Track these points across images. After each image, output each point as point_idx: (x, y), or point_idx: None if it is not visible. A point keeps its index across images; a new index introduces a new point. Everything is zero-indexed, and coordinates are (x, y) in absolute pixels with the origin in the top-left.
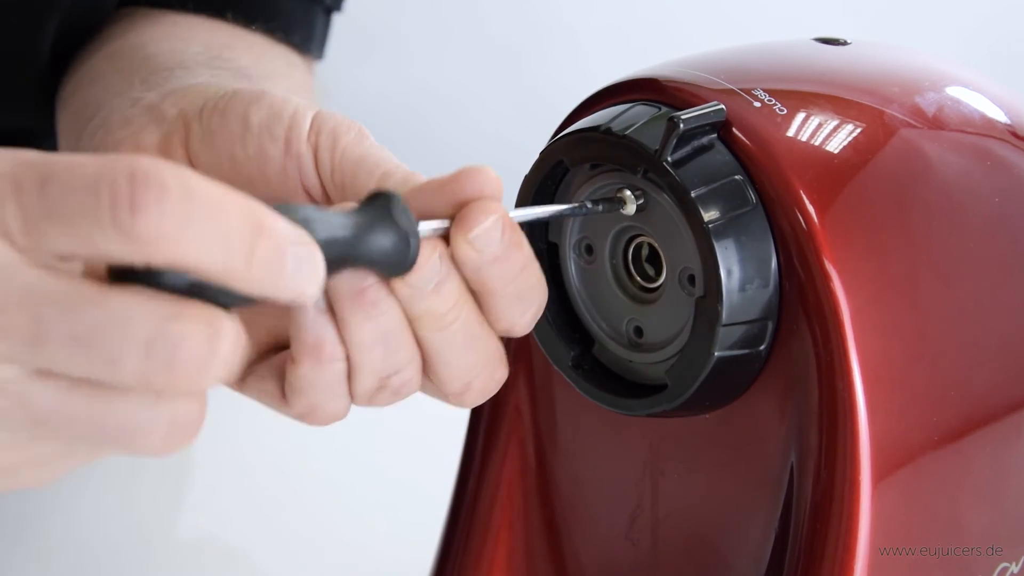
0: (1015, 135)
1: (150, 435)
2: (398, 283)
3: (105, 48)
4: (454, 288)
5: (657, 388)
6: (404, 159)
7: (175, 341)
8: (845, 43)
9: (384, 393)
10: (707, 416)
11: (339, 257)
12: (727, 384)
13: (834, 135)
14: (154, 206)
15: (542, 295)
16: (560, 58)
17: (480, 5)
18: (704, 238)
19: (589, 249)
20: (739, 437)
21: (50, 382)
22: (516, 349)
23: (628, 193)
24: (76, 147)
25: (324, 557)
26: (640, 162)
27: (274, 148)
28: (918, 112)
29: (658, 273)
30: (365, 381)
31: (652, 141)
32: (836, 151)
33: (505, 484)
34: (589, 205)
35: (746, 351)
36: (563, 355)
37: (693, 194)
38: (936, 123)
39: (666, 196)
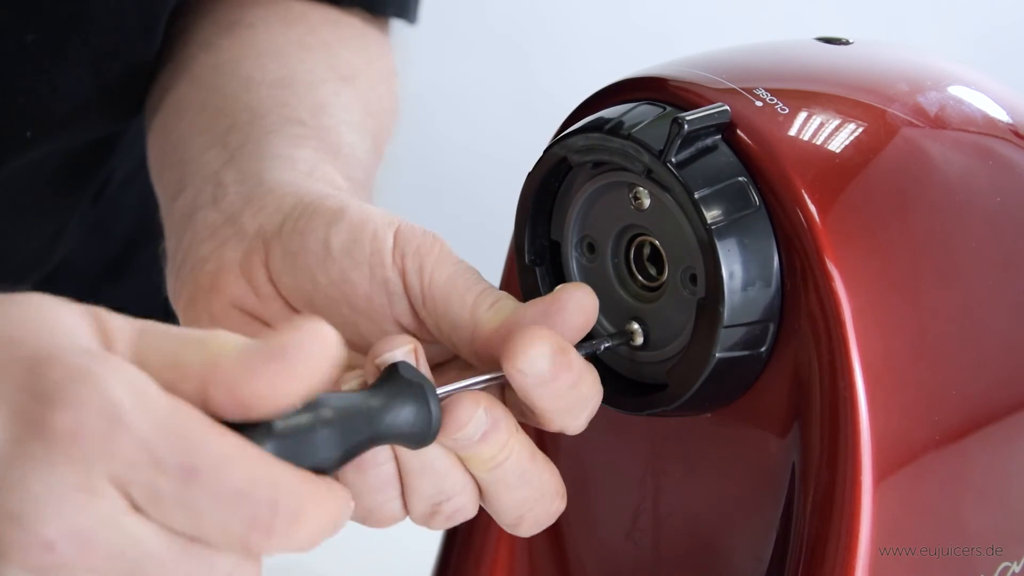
0: (1017, 134)
1: None
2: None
3: (189, 68)
4: (502, 435)
5: (658, 388)
6: (409, 157)
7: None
8: (847, 42)
9: (438, 518)
10: (708, 415)
11: (362, 442)
12: (728, 384)
13: (836, 135)
14: (286, 536)
15: (595, 401)
16: (564, 56)
17: (485, 2)
18: (707, 239)
19: (591, 247)
20: (741, 436)
21: (163, 531)
22: None
23: (636, 327)
24: (169, 211)
25: (324, 556)
26: (644, 162)
27: (358, 274)
28: (920, 111)
29: (660, 272)
30: (417, 504)
31: (656, 141)
32: (838, 151)
33: None
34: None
35: (747, 352)
36: None
37: (697, 195)
38: (938, 122)
39: (669, 196)
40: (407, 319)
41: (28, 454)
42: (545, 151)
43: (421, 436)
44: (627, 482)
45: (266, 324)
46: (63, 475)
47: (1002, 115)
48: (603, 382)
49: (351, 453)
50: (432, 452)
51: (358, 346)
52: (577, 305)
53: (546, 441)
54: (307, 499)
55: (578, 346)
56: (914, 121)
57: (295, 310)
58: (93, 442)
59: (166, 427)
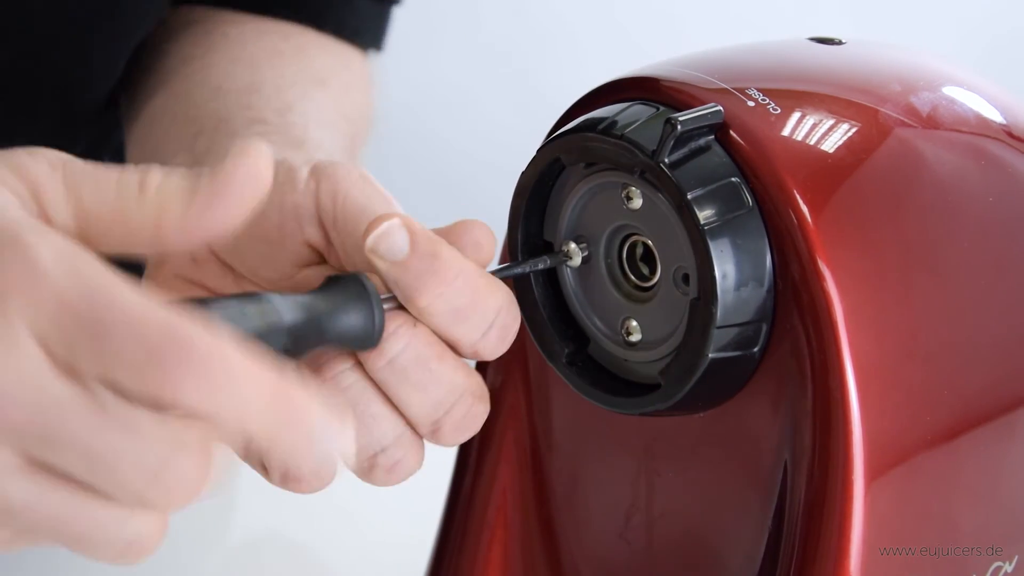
0: (1010, 134)
1: (112, 545)
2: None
3: (166, 79)
4: (399, 319)
5: (651, 387)
6: (402, 159)
7: (180, 470)
8: (840, 42)
9: (378, 471)
10: (701, 415)
11: (307, 339)
12: (721, 385)
13: (828, 135)
14: (191, 386)
15: (493, 309)
16: (558, 57)
17: (478, 4)
18: (700, 240)
19: (584, 248)
20: (733, 436)
21: (36, 476)
22: (511, 347)
23: (573, 246)
24: None
25: (319, 557)
26: (637, 163)
27: (269, 206)
28: (912, 111)
29: (652, 272)
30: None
31: (649, 142)
32: (830, 151)
33: (500, 483)
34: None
35: (740, 353)
36: (558, 353)
37: (690, 196)
38: (930, 122)
39: (661, 196)
40: (318, 241)
41: None
42: (538, 151)
43: (367, 337)
44: (620, 482)
45: (206, 288)
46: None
47: (995, 115)
48: (596, 382)
49: (299, 344)
50: (363, 394)
51: (277, 284)
52: (472, 237)
53: (539, 440)
54: (216, 349)
55: (508, 266)
56: (906, 121)
57: (227, 265)
58: (14, 295)
59: (86, 286)
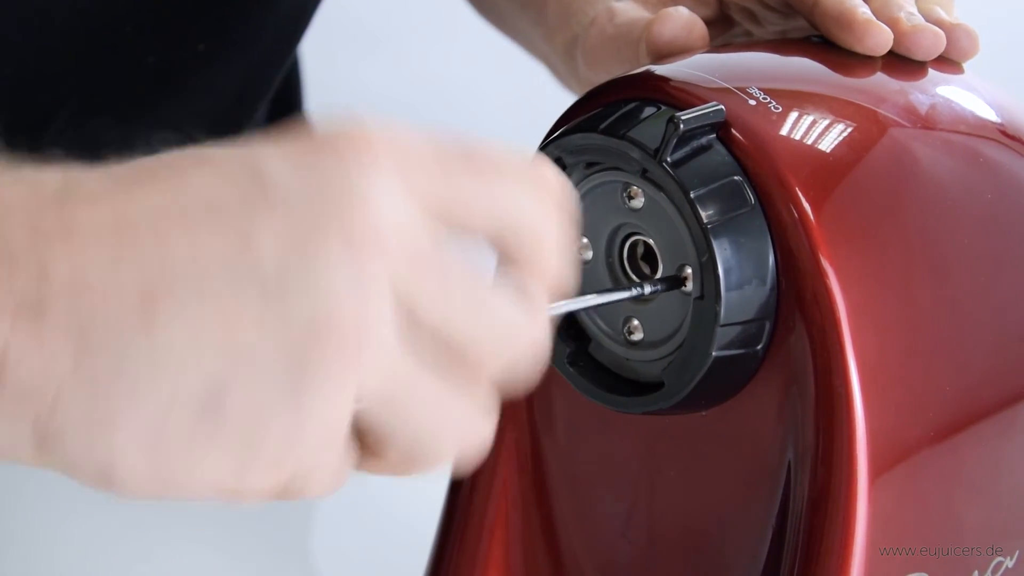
0: (1005, 134)
1: (477, 442)
2: None
3: None
4: None
5: (653, 386)
6: None
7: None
8: None
9: None
10: (703, 413)
11: None
12: (724, 383)
13: (829, 133)
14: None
15: None
16: None
17: None
18: (703, 238)
19: (585, 247)
20: (736, 434)
21: (413, 350)
22: None
23: (689, 271)
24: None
25: (318, 556)
26: (639, 162)
27: None
28: (912, 110)
29: (654, 271)
30: None
31: (651, 141)
32: (831, 149)
33: (500, 481)
34: (647, 290)
35: (743, 351)
36: (559, 352)
37: (692, 195)
38: (929, 122)
39: (663, 195)
40: None
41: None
42: (539, 149)
43: None
44: (622, 480)
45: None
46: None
47: (992, 115)
48: (598, 381)
49: None
50: None
51: None
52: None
53: (540, 438)
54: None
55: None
56: (906, 120)
57: None
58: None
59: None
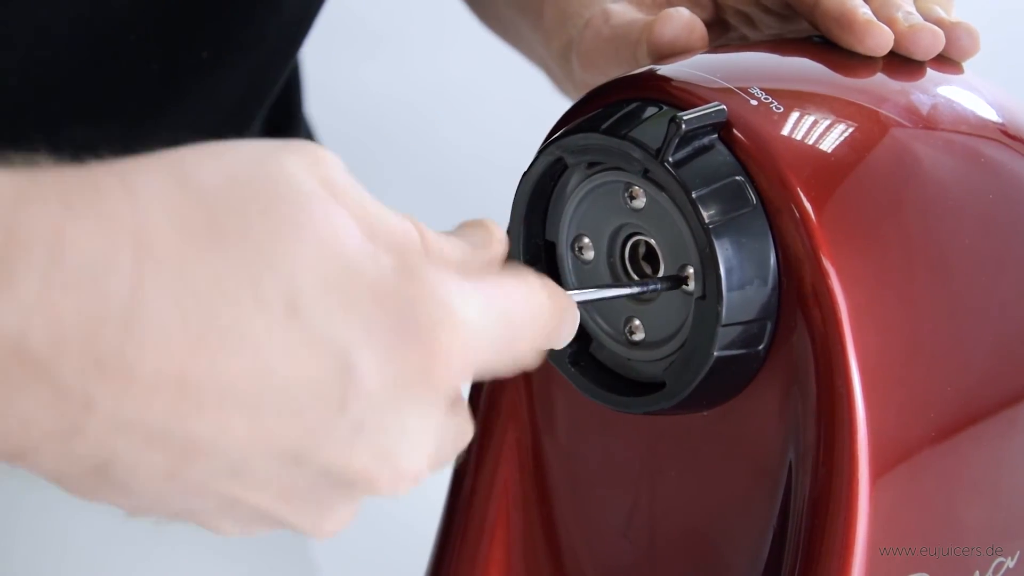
0: (1007, 134)
1: None
2: None
3: None
4: None
5: (655, 386)
6: (408, 159)
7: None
8: None
9: None
10: (705, 413)
11: None
12: (726, 383)
13: (830, 133)
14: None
15: None
16: None
17: None
18: (705, 238)
19: (587, 247)
20: (737, 434)
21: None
22: None
23: (691, 271)
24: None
25: (317, 554)
26: (641, 162)
27: None
28: (913, 110)
29: (655, 271)
30: None
31: (653, 141)
32: (832, 149)
33: (501, 482)
34: (652, 287)
35: (745, 351)
36: (561, 352)
37: (694, 195)
38: (930, 122)
39: (665, 195)
40: None
41: (411, 397)
42: (540, 151)
43: None
44: (623, 480)
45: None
46: (434, 415)
47: (993, 115)
48: (599, 381)
49: None
50: None
51: None
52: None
53: (541, 439)
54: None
55: (628, 290)
56: (907, 120)
57: None
58: (454, 383)
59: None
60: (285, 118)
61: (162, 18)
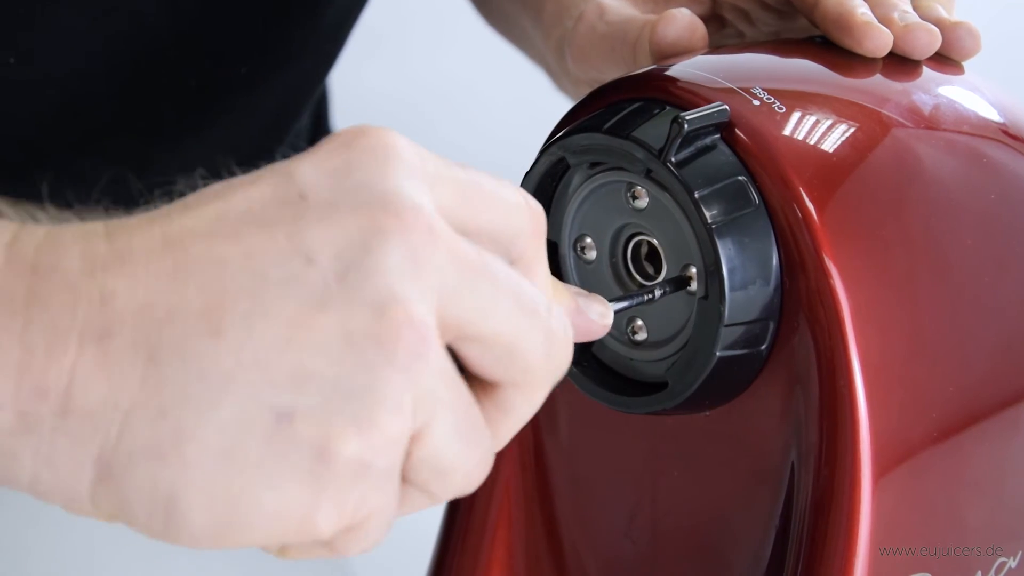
0: (1008, 134)
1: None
2: None
3: None
4: None
5: (657, 386)
6: None
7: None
8: None
9: None
10: (707, 414)
11: None
12: (728, 383)
13: (832, 133)
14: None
15: None
16: None
17: None
18: (707, 238)
19: (589, 247)
20: (739, 434)
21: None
22: None
23: (693, 271)
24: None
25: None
26: (643, 162)
27: None
28: (915, 110)
29: (657, 271)
30: None
31: (656, 141)
32: (835, 149)
33: (503, 482)
34: (657, 294)
35: (747, 351)
36: None
37: (697, 195)
38: (932, 122)
39: (667, 195)
40: None
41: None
42: (542, 151)
43: None
44: (625, 481)
45: None
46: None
47: (995, 115)
48: (601, 381)
49: None
50: None
51: None
52: None
53: (543, 439)
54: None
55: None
56: (909, 120)
57: None
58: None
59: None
60: (315, 130)
61: (201, 35)
